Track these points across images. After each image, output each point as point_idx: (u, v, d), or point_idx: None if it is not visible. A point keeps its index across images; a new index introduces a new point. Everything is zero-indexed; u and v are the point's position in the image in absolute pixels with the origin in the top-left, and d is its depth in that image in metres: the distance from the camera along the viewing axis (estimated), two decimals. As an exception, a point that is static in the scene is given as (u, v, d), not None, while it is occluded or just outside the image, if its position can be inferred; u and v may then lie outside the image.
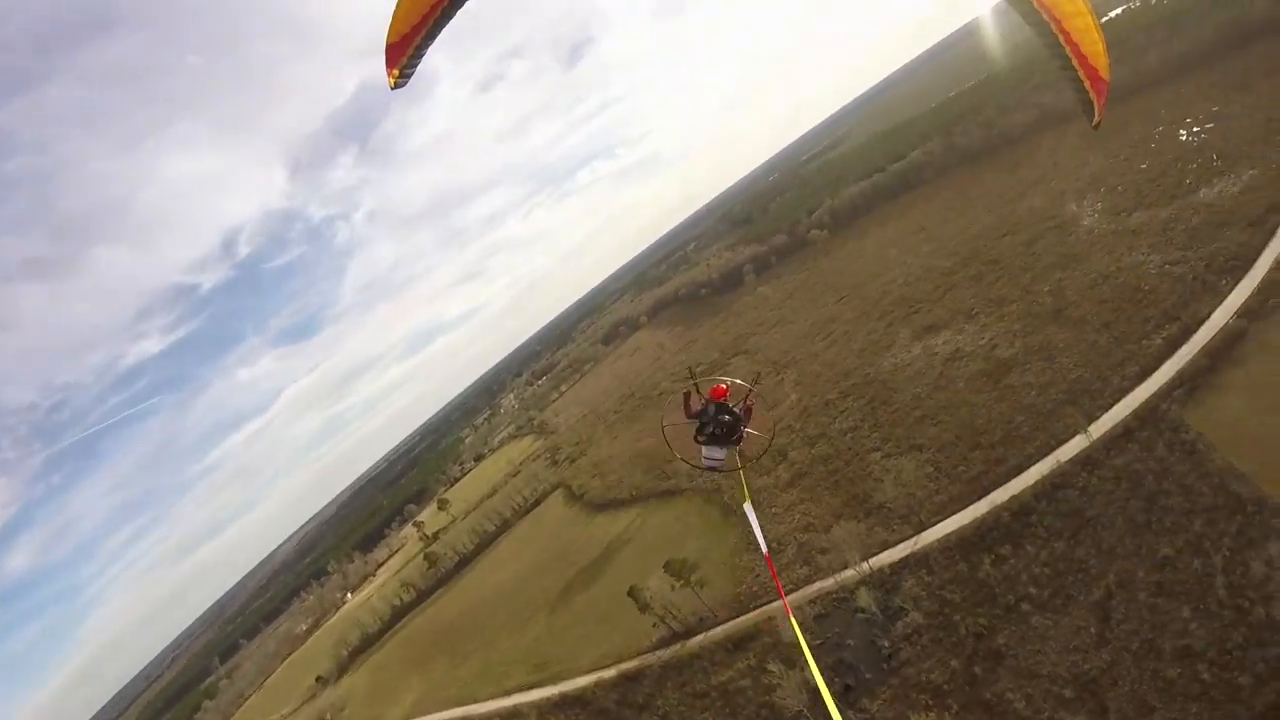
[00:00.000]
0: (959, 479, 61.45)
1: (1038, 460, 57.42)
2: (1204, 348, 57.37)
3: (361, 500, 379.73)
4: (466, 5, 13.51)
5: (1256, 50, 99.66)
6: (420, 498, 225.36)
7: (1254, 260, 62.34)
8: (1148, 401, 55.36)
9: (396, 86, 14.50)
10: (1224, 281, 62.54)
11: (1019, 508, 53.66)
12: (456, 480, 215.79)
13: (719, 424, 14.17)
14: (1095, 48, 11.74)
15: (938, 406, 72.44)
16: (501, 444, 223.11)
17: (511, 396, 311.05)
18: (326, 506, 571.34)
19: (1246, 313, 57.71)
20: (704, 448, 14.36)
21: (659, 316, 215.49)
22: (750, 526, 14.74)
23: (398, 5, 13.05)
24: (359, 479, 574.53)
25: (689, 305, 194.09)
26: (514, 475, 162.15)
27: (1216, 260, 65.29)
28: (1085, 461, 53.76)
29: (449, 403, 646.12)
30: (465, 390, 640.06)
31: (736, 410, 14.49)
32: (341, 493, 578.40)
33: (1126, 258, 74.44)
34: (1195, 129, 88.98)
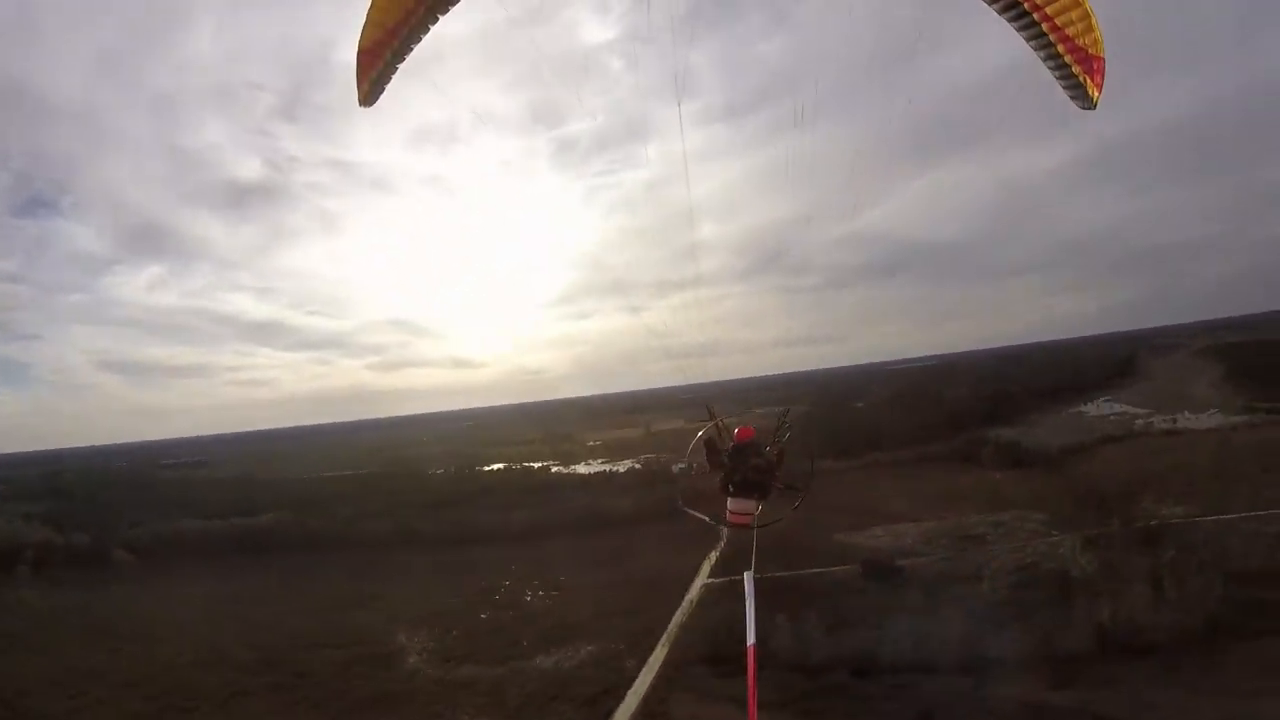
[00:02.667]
0: None
1: None
2: None
3: None
4: (439, 19, 12.14)
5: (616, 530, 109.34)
6: None
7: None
8: None
9: (367, 103, 12.69)
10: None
11: None
12: None
13: (749, 470, 11.31)
14: (1078, 26, 10.87)
15: None
16: None
17: None
18: None
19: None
20: (729, 500, 11.39)
21: None
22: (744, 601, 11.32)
23: (370, 9, 11.77)
24: None
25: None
26: None
27: (550, 742, 56.77)
28: None
29: None
30: None
31: (769, 453, 11.79)
32: None
33: (448, 716, 63.61)
34: (541, 592, 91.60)
